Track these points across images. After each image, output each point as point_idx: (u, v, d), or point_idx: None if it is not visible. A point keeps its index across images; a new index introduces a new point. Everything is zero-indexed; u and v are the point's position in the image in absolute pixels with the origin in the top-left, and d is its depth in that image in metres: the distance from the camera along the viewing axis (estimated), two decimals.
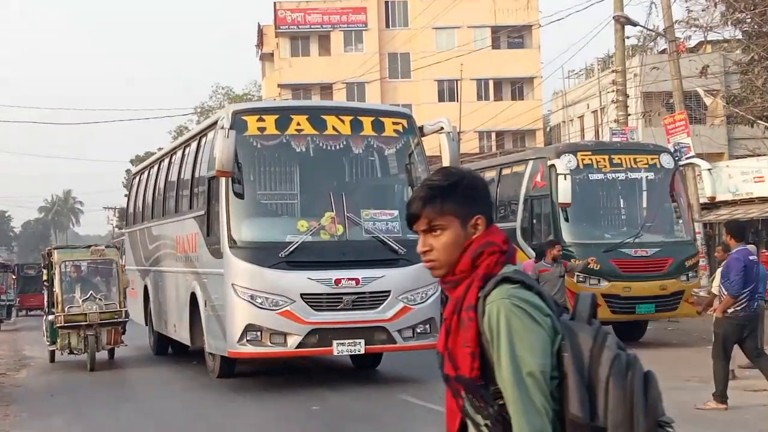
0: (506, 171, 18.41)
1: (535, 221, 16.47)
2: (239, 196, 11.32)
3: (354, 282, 11.06)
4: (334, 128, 11.73)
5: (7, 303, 34.95)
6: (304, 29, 51.10)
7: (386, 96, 48.33)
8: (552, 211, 15.67)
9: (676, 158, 17.62)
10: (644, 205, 16.30)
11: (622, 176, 16.00)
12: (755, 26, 26.07)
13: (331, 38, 51.11)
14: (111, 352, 15.40)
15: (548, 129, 51.35)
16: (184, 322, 13.49)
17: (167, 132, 75.36)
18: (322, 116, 11.87)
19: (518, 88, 50.51)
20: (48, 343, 15.57)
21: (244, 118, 11.51)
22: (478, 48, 43.25)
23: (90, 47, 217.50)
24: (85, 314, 14.41)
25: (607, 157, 16.06)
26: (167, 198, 15.45)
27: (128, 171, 55.32)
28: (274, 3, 50.63)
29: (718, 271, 10.18)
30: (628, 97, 24.62)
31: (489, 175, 19.17)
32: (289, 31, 51.06)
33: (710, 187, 16.70)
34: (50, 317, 15.14)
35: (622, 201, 16.68)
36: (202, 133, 13.43)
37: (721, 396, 9.36)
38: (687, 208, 16.79)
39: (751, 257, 9.60)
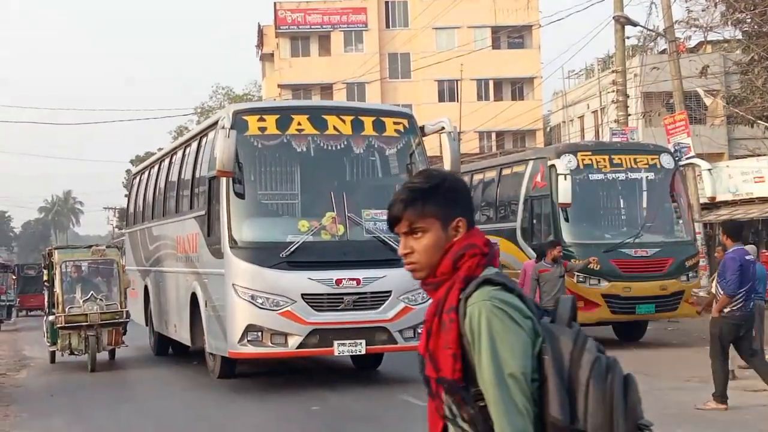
0: (506, 171, 18.42)
1: (535, 221, 16.47)
2: (240, 196, 11.32)
3: (355, 282, 11.06)
4: (335, 128, 11.72)
5: (7, 303, 34.98)
6: (304, 29, 51.11)
7: (386, 96, 48.35)
8: (552, 211, 15.67)
9: (677, 158, 17.63)
10: (644, 205, 16.30)
11: (622, 176, 16.01)
12: (755, 26, 26.07)
13: (331, 38, 51.13)
14: (112, 352, 15.36)
15: (548, 129, 51.35)
16: (185, 323, 13.49)
17: (167, 132, 75.36)
18: (323, 116, 11.87)
19: (518, 88, 50.53)
20: (48, 344, 15.53)
21: (245, 117, 11.51)
22: (478, 48, 43.26)
23: (90, 47, 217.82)
24: (86, 315, 14.36)
25: (607, 157, 16.07)
26: (168, 198, 15.45)
27: (128, 171, 55.33)
28: (275, 3, 50.64)
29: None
30: (628, 97, 24.61)
31: (489, 175, 19.20)
32: (289, 32, 51.08)
33: (710, 188, 16.71)
34: (51, 318, 15.10)
35: (622, 201, 16.68)
36: (203, 133, 13.43)
37: (721, 396, 9.37)
38: (687, 208, 16.80)
39: (747, 257, 9.61)
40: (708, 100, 32.58)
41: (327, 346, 11.06)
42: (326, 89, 48.15)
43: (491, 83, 50.83)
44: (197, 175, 13.13)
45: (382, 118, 12.06)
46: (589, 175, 15.89)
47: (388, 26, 51.29)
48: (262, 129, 11.50)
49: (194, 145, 13.76)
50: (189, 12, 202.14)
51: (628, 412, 2.19)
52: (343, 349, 11.09)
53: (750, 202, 26.66)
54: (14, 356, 18.72)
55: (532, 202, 16.48)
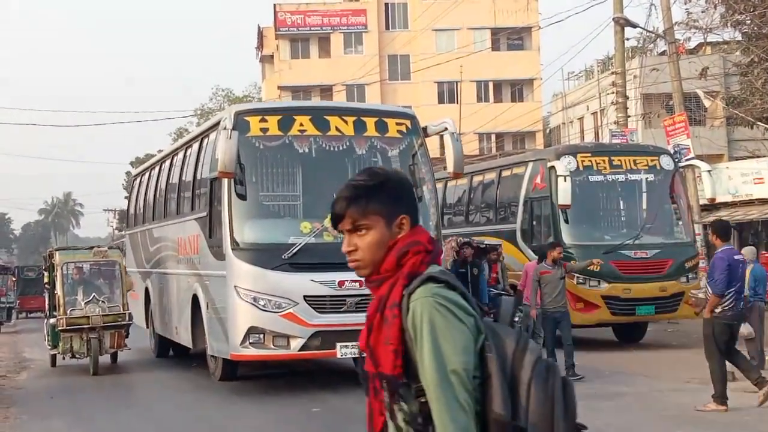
0: (506, 173, 18.43)
1: (534, 223, 16.49)
2: (242, 197, 11.31)
3: (358, 284, 11.03)
4: (337, 129, 11.70)
5: (8, 305, 34.97)
6: (304, 31, 51.14)
7: (386, 98, 48.37)
8: (552, 212, 15.69)
9: (676, 160, 17.67)
10: (644, 206, 16.32)
11: (621, 178, 16.03)
12: (755, 28, 26.11)
13: (331, 40, 51.16)
14: (114, 355, 15.19)
15: (548, 131, 51.38)
16: (186, 325, 13.47)
17: (167, 134, 75.46)
18: (325, 117, 11.84)
19: (518, 89, 50.58)
20: (49, 347, 15.32)
21: (247, 118, 11.50)
22: (477, 50, 43.30)
23: (90, 47, 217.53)
24: (88, 317, 14.17)
25: (606, 158, 16.10)
26: (169, 199, 15.44)
27: (128, 173, 55.36)
28: (274, 5, 50.67)
29: None
30: (627, 98, 24.62)
31: (489, 177, 19.22)
32: (289, 33, 51.10)
33: (710, 189, 16.74)
34: (52, 320, 14.87)
35: (621, 203, 16.71)
36: (204, 134, 13.42)
37: (720, 397, 9.38)
38: (687, 209, 16.83)
39: (736, 257, 9.63)
40: (708, 102, 32.58)
41: (329, 348, 11.03)
42: (326, 91, 48.17)
43: (491, 85, 50.86)
44: (198, 176, 13.12)
45: (385, 119, 12.03)
46: (589, 177, 15.91)
47: (387, 28, 51.33)
48: (264, 130, 11.49)
49: (195, 146, 13.75)
50: (189, 12, 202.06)
51: (569, 412, 2.23)
52: (345, 351, 11.04)
53: (750, 203, 26.66)
54: (14, 358, 18.71)
55: (531, 203, 16.51)
